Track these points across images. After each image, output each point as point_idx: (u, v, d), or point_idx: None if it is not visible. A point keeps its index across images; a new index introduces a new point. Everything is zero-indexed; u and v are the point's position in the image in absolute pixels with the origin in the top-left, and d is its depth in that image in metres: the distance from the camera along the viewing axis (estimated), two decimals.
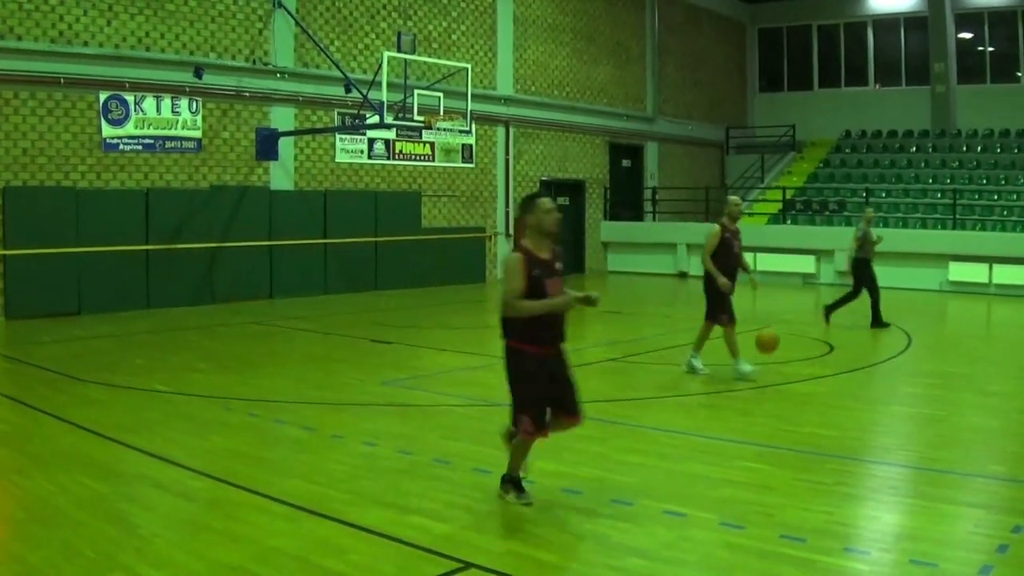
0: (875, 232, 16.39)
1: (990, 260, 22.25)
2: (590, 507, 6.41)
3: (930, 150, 29.83)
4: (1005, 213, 25.04)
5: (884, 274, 23.18)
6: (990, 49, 30.89)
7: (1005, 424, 9.28)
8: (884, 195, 27.27)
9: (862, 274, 15.95)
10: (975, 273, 22.30)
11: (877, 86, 32.89)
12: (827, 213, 27.09)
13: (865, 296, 15.89)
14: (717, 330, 11.30)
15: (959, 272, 22.75)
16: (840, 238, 24.64)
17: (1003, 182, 26.55)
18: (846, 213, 26.47)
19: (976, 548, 5.67)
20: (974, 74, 30.85)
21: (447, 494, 6.70)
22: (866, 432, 9.05)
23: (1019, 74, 30.29)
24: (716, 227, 11.19)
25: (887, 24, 32.56)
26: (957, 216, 24.79)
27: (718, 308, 11.15)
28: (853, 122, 32.12)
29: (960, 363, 13.18)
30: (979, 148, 29.14)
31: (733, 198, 11.51)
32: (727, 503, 6.51)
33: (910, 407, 10.21)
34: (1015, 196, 25.63)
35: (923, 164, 29.09)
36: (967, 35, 31.19)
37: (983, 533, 5.91)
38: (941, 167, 28.52)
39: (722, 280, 10.91)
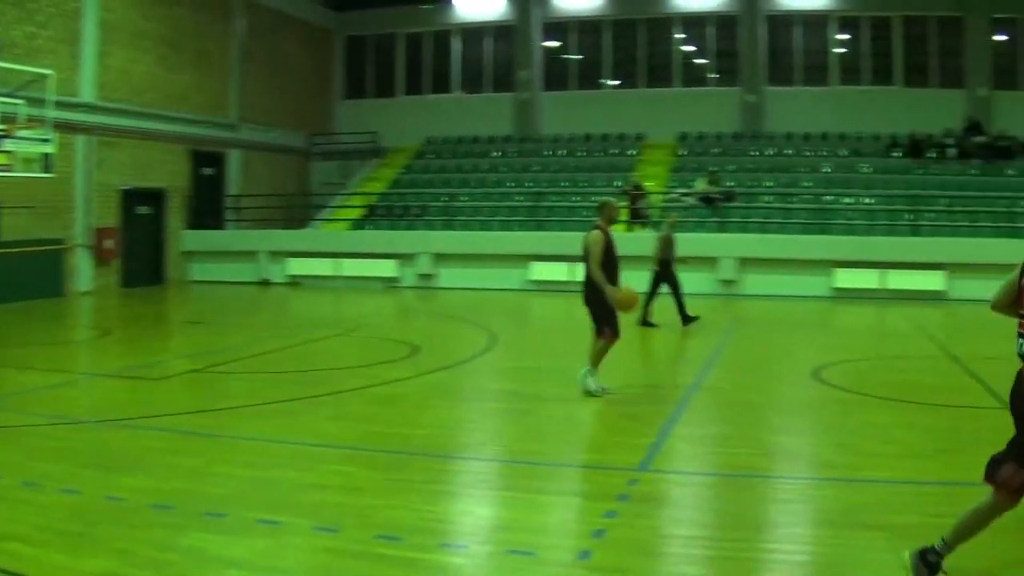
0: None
1: (571, 259, 23.84)
2: (182, 522, 6.09)
3: (514, 155, 31.58)
4: (586, 214, 26.93)
5: (469, 276, 24.59)
6: (576, 57, 33.31)
7: (590, 414, 9.88)
8: (467, 199, 28.46)
9: (664, 275, 16.78)
10: (556, 272, 23.85)
11: (462, 93, 34.31)
12: (409, 218, 27.89)
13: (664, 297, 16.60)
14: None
15: (541, 272, 24.31)
16: (422, 242, 25.51)
17: (584, 184, 28.66)
18: (427, 218, 27.40)
19: (572, 535, 5.96)
20: (559, 81, 33.13)
21: (37, 517, 6.14)
22: (455, 429, 9.28)
23: (602, 81, 32.92)
24: (599, 233, 10.49)
25: (473, 33, 34.10)
26: (539, 218, 26.40)
27: (607, 321, 10.51)
28: (438, 128, 33.27)
29: (544, 358, 13.97)
30: (561, 152, 31.25)
31: (613, 200, 11.18)
32: (320, 507, 6.40)
33: (497, 403, 10.62)
34: (595, 198, 27.59)
35: (506, 168, 30.72)
36: (553, 43, 33.40)
37: (578, 520, 6.23)
38: (524, 171, 30.25)
39: (611, 289, 10.34)
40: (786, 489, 7.25)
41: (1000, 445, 8.15)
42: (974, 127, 28.48)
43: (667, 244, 17.21)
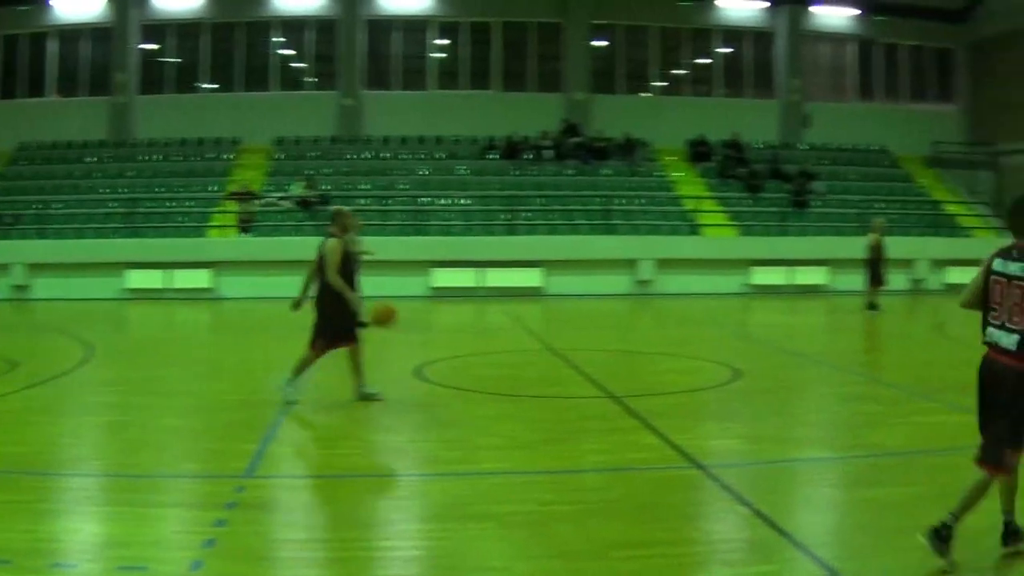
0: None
1: (168, 266, 23.06)
2: None
3: (109, 160, 29.84)
4: (182, 219, 26.04)
5: (65, 286, 23.01)
6: (174, 60, 31.95)
7: (193, 423, 9.62)
8: (62, 207, 26.60)
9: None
10: (153, 279, 22.97)
11: (57, 96, 31.96)
12: (2, 227, 25.64)
13: None
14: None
15: (137, 279, 23.29)
16: (14, 252, 23.60)
17: (180, 189, 27.63)
18: (21, 227, 25.35)
19: (183, 546, 5.76)
20: (156, 84, 31.69)
21: None
22: (57, 445, 8.71)
23: (199, 84, 31.85)
24: (336, 241, 10.17)
25: (71, 34, 31.80)
26: (135, 224, 25.19)
27: (325, 333, 10.09)
28: (33, 133, 30.70)
29: (145, 368, 13.33)
30: (156, 157, 29.90)
31: (346, 208, 10.85)
32: None
33: (99, 416, 10.01)
34: (191, 203, 26.81)
35: (100, 174, 28.96)
36: (151, 46, 31.87)
37: (188, 531, 6.03)
38: (118, 177, 28.67)
39: (354, 297, 10.06)
40: (396, 486, 7.42)
41: (603, 432, 8.91)
42: (571, 129, 30.45)
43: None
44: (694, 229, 26.65)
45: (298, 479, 7.66)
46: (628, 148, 30.05)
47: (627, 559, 5.55)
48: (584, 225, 26.18)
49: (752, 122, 32.24)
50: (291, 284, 21.17)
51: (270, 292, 22.58)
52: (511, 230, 25.60)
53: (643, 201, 27.98)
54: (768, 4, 32.91)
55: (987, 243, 27.76)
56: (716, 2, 32.69)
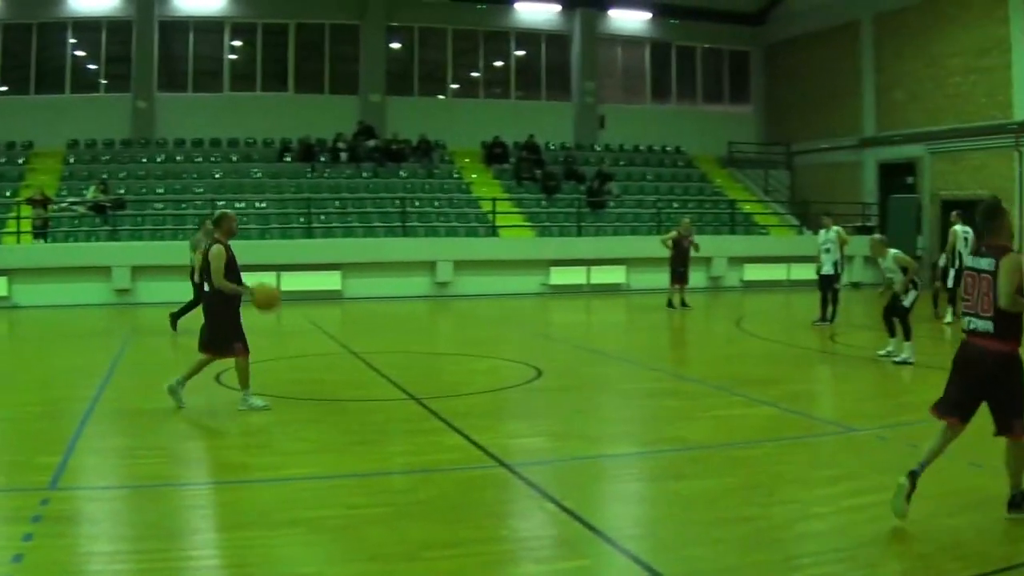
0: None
1: None
2: None
3: None
4: None
5: None
6: None
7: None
8: None
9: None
10: None
11: None
12: None
13: None
14: None
15: None
16: None
17: None
18: None
19: None
20: None
21: None
22: None
23: None
24: (219, 247, 10.03)
25: None
26: None
27: (234, 336, 10.04)
28: None
29: None
30: None
31: (231, 212, 10.64)
32: None
33: None
34: None
35: None
36: None
37: None
38: None
39: (247, 290, 10.13)
40: (202, 495, 7.22)
41: (408, 434, 8.95)
42: (367, 131, 30.31)
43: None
44: (491, 230, 26.97)
45: (104, 490, 7.35)
46: (424, 150, 30.21)
47: (439, 559, 5.60)
48: (381, 227, 26.15)
49: (548, 124, 32.92)
50: (88, 291, 20.60)
51: (67, 299, 21.73)
52: (308, 233, 25.29)
53: (440, 203, 28.18)
54: (563, 7, 33.62)
55: (783, 241, 29.40)
56: (512, 5, 33.18)
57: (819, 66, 33.45)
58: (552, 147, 32.52)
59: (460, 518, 6.38)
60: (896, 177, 30.63)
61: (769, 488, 7.20)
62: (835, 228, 18.75)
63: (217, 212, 11.06)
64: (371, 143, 29.89)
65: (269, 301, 10.55)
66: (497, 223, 27.15)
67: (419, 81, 33.04)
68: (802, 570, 5.60)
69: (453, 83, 33.72)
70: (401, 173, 29.25)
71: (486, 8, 32.96)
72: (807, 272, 27.56)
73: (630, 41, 35.60)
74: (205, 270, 10.24)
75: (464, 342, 17.09)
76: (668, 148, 34.54)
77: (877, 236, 14.59)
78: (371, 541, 5.89)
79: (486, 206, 27.78)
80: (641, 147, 34.17)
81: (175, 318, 17.01)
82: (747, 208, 31.35)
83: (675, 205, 30.38)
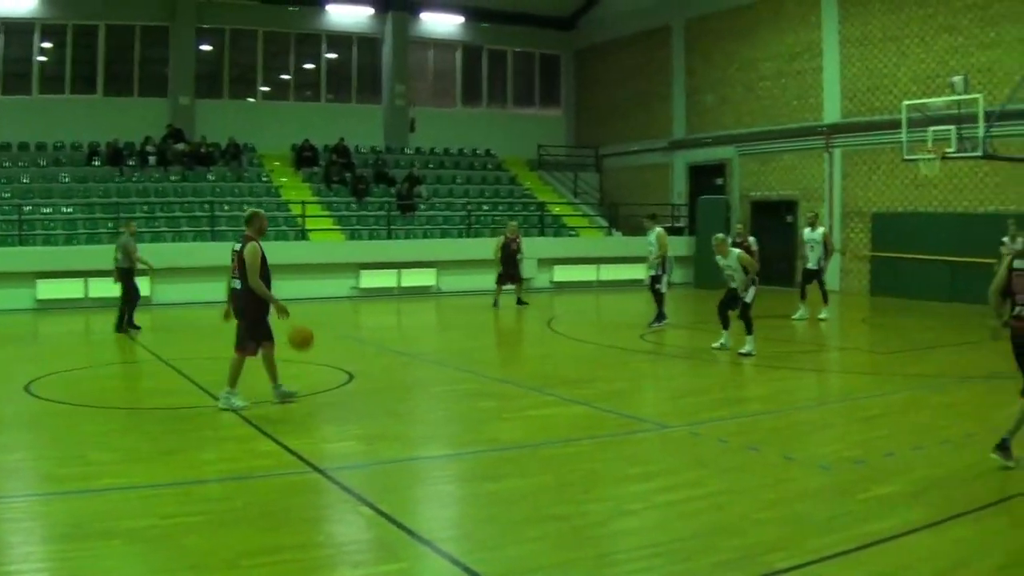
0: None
1: None
2: None
3: None
4: None
5: None
6: None
7: None
8: None
9: (128, 281, 17.28)
10: None
11: None
12: None
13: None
14: None
15: None
16: None
17: None
18: None
19: None
20: None
21: None
22: None
23: None
24: (255, 244, 10.23)
25: None
26: None
27: (252, 335, 10.38)
28: None
29: None
30: None
31: (261, 211, 10.89)
32: None
33: None
34: None
35: None
36: None
37: None
38: None
39: (280, 303, 10.37)
40: (14, 508, 6.99)
41: (221, 441, 8.98)
42: (176, 135, 29.51)
43: (128, 252, 17.55)
44: (301, 234, 26.71)
45: None
46: (233, 153, 29.65)
47: (258, 566, 5.64)
48: (190, 232, 25.49)
49: (358, 127, 32.86)
50: None
51: None
52: (116, 239, 24.35)
53: (249, 207, 27.50)
54: (375, 10, 33.57)
55: (593, 242, 30.10)
56: (324, 7, 32.92)
57: (630, 70, 34.46)
58: (362, 150, 32.45)
59: (277, 524, 6.41)
60: (706, 178, 31.74)
61: (583, 486, 7.41)
62: (657, 229, 19.06)
63: (248, 210, 11.10)
64: (180, 146, 29.11)
65: (304, 339, 10.76)
66: (307, 227, 26.91)
67: (229, 83, 32.36)
68: (618, 566, 5.77)
69: (263, 85, 33.17)
70: (210, 177, 28.57)
71: (298, 10, 32.61)
72: (617, 273, 28.52)
73: (441, 44, 35.87)
74: (239, 268, 10.24)
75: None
76: (478, 151, 34.95)
77: (720, 235, 14.91)
78: (189, 550, 5.87)
79: (296, 209, 27.49)
80: (451, 150, 34.46)
81: (121, 325, 17.44)
82: (557, 210, 31.98)
83: (485, 208, 30.79)
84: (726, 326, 14.72)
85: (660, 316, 18.66)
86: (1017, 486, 7.32)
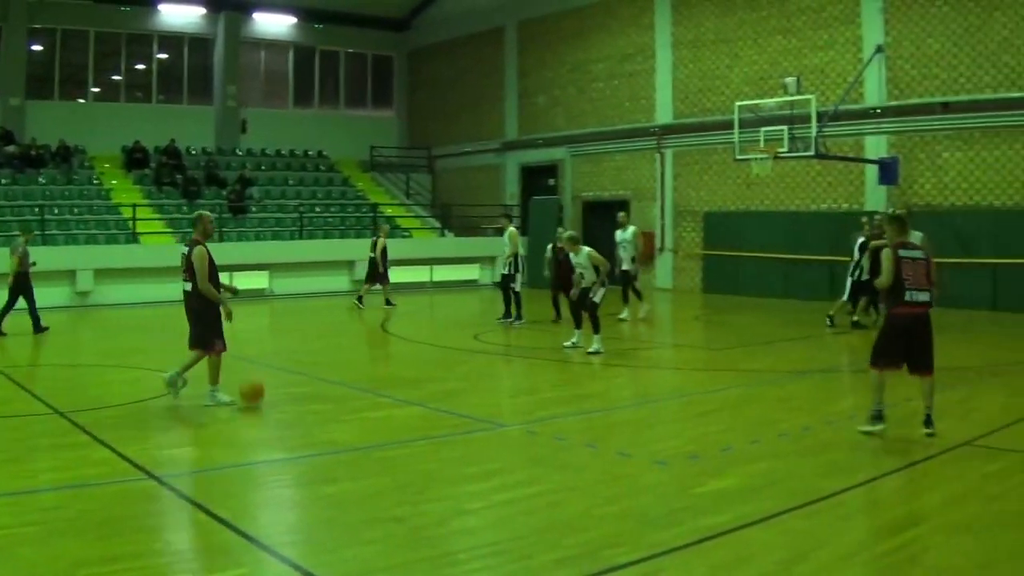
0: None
1: None
2: None
3: None
4: None
5: None
6: None
7: None
8: None
9: (21, 286, 17.54)
10: None
11: None
12: None
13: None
14: None
15: None
16: None
17: None
18: None
19: None
20: None
21: None
22: None
23: None
24: (202, 248, 10.60)
25: None
26: None
27: (215, 334, 10.83)
28: None
29: None
30: None
31: (208, 213, 11.14)
32: None
33: None
34: None
35: None
36: None
37: None
38: None
39: (228, 307, 10.85)
40: None
41: (54, 449, 8.81)
42: (5, 136, 28.39)
43: (24, 256, 17.79)
44: (132, 237, 25.98)
45: None
46: (64, 156, 28.69)
47: None
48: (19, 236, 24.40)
49: (190, 128, 32.26)
50: None
51: None
52: None
53: (79, 210, 26.77)
54: (207, 10, 32.92)
55: (425, 243, 30.14)
56: (156, 7, 32.12)
57: (463, 71, 34.73)
58: (193, 151, 31.79)
59: (113, 533, 6.30)
60: (538, 179, 32.21)
61: (421, 487, 7.43)
62: (511, 228, 19.25)
63: (196, 212, 11.35)
64: (10, 148, 27.99)
65: (255, 393, 10.79)
66: (138, 230, 26.20)
67: (60, 84, 31.33)
68: (459, 565, 5.77)
69: (94, 87, 32.21)
70: (40, 180, 27.59)
71: (129, 10, 31.71)
72: (450, 274, 28.70)
73: (274, 45, 35.54)
74: (189, 271, 10.65)
75: (107, 353, 16.40)
76: (310, 152, 34.70)
77: (569, 233, 15.12)
78: (24, 561, 5.76)
79: (127, 212, 26.73)
80: (283, 151, 34.12)
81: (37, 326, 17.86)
82: (389, 211, 32.01)
83: (317, 209, 30.58)
84: (578, 325, 14.87)
85: (518, 316, 18.89)
86: (849, 479, 7.58)
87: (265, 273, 26.35)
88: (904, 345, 8.82)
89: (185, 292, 10.99)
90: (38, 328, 17.96)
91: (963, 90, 21.32)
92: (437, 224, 32.38)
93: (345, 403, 11.28)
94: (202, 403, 10.82)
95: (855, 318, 17.37)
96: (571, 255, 14.69)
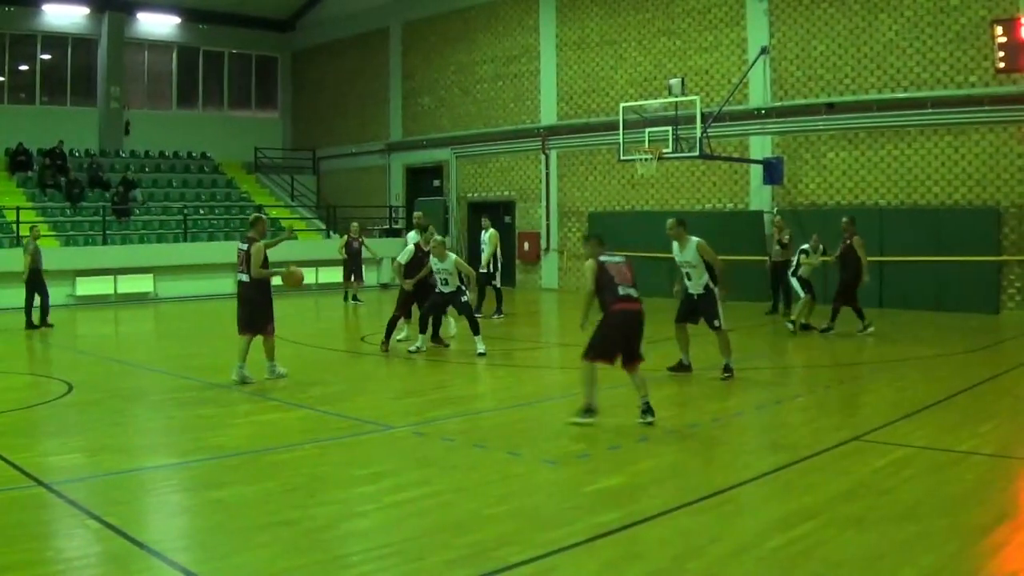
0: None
1: None
2: None
3: None
4: None
5: None
6: None
7: None
8: None
9: (34, 282, 18.68)
10: None
11: None
12: None
13: None
14: None
15: None
16: None
17: None
18: None
19: None
20: None
21: None
22: None
23: None
24: (261, 244, 12.12)
25: None
26: None
27: (267, 319, 12.45)
28: None
29: None
30: None
31: (263, 215, 12.76)
32: None
33: None
34: None
35: None
36: None
37: None
38: None
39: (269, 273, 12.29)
40: None
41: None
42: None
43: (36, 254, 18.86)
44: (15, 241, 25.13)
45: None
46: None
47: None
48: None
49: (74, 130, 31.42)
50: None
51: None
52: None
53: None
54: (91, 10, 32.06)
55: (313, 245, 29.73)
56: (40, 7, 31.13)
57: (348, 72, 34.50)
58: (77, 153, 30.93)
59: (3, 542, 6.13)
60: (424, 180, 32.15)
61: (310, 490, 7.31)
62: (490, 230, 19.80)
63: (253, 215, 12.88)
64: None
65: (296, 279, 12.62)
66: (21, 233, 25.32)
67: None
68: (351, 568, 5.69)
69: None
70: None
71: (12, 10, 30.68)
72: (335, 276, 28.40)
73: (157, 45, 34.81)
74: (246, 263, 12.09)
75: None
76: (194, 154, 34.06)
77: (438, 238, 15.07)
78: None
79: (10, 216, 25.83)
80: (167, 153, 33.42)
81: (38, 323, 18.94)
82: (274, 213, 31.48)
83: (202, 211, 30.09)
84: (423, 330, 14.81)
85: (498, 310, 19.61)
86: (739, 475, 7.70)
87: (149, 276, 25.79)
88: (623, 340, 9.52)
89: (241, 283, 12.40)
90: (42, 322, 19.17)
91: (848, 91, 21.89)
92: (322, 225, 32.11)
93: (232, 407, 11.09)
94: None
95: (794, 318, 17.38)
96: (436, 260, 14.65)
